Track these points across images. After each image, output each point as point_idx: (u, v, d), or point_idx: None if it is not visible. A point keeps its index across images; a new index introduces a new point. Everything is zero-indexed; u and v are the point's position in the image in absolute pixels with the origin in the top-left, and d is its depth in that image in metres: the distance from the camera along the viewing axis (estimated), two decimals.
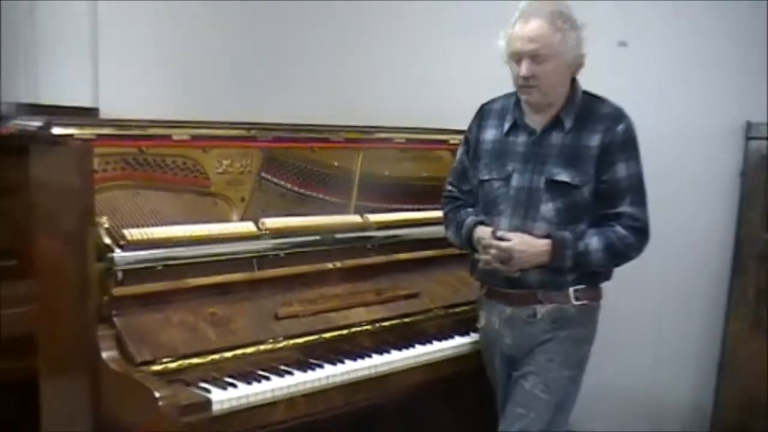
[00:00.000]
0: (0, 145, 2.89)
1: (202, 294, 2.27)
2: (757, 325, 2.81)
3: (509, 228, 2.29)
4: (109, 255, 2.10)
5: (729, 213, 2.87)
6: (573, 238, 2.22)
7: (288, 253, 2.47)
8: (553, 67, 2.20)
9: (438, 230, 2.71)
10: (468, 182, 2.48)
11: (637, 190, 2.24)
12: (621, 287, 2.37)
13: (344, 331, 2.46)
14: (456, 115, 2.73)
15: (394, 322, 2.58)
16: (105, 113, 4.61)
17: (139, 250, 2.16)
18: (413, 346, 2.48)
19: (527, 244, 2.23)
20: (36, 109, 4.06)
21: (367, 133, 2.85)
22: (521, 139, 2.33)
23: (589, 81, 2.33)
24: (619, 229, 2.22)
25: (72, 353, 2.20)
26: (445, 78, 3.48)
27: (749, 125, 2.83)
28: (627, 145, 2.23)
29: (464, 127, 2.54)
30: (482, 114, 2.47)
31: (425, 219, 2.86)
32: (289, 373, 2.18)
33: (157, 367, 2.05)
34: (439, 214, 2.76)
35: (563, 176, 2.23)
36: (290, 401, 2.14)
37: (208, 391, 2.02)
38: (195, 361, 2.13)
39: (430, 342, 2.53)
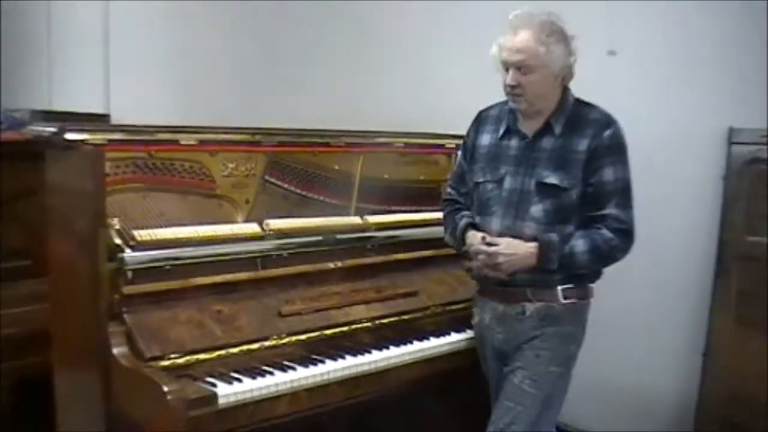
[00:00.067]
0: (16, 150, 2.90)
1: (208, 292, 2.27)
2: (739, 322, 2.80)
3: (500, 227, 2.29)
4: (120, 255, 2.11)
5: (712, 216, 2.87)
6: (559, 241, 2.22)
7: (291, 253, 2.47)
8: (539, 77, 2.21)
9: (435, 231, 2.72)
10: (466, 185, 2.49)
11: (622, 193, 2.23)
12: (610, 286, 2.37)
13: (345, 328, 2.45)
14: (455, 117, 2.74)
15: (392, 319, 2.58)
16: (116, 119, 4.62)
17: (149, 250, 2.16)
18: (411, 342, 2.48)
19: (514, 248, 2.23)
20: (50, 116, 4.06)
21: (366, 138, 2.85)
22: (514, 143, 2.34)
23: (579, 88, 2.33)
24: (604, 231, 2.22)
25: (84, 349, 2.20)
26: (445, 81, 3.47)
27: (732, 131, 2.82)
28: (614, 149, 2.23)
29: (461, 131, 2.54)
30: (479, 120, 2.48)
31: (423, 220, 2.86)
32: (292, 368, 2.18)
33: (165, 363, 2.05)
34: (435, 215, 2.78)
35: (552, 179, 2.24)
36: (293, 395, 2.14)
37: (214, 385, 2.01)
38: (202, 356, 2.13)
39: (428, 338, 2.52)
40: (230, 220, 2.42)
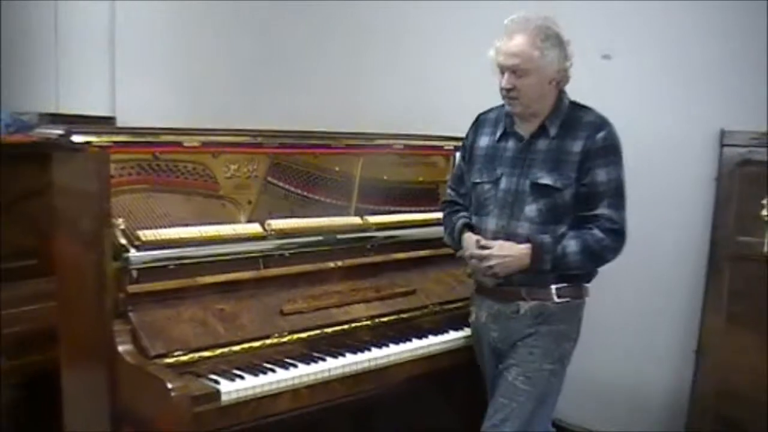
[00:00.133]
0: (24, 152, 2.90)
1: (211, 291, 2.26)
2: (731, 321, 2.80)
3: (496, 227, 2.29)
4: (125, 254, 2.10)
5: (705, 216, 2.86)
6: (552, 242, 2.21)
7: (292, 253, 2.46)
8: (534, 81, 2.20)
9: (433, 231, 2.72)
10: (465, 186, 2.49)
11: (615, 193, 2.22)
12: (605, 285, 2.36)
13: (345, 326, 2.45)
14: (454, 119, 2.73)
15: (392, 317, 2.57)
16: (121, 122, 4.61)
17: (153, 250, 2.15)
18: (410, 340, 2.47)
19: (507, 250, 2.22)
20: (57, 119, 4.05)
21: (366, 140, 2.85)
22: (510, 145, 2.34)
23: (575, 91, 2.32)
24: (596, 231, 2.20)
25: (90, 346, 2.19)
26: (445, 83, 3.47)
27: (723, 133, 2.82)
28: (607, 151, 2.22)
29: (460, 133, 2.54)
30: (478, 122, 2.48)
31: (421, 220, 2.85)
32: (294, 365, 2.17)
33: (169, 360, 2.05)
34: (434, 215, 2.78)
35: (546, 179, 2.23)
36: (294, 392, 2.13)
37: (217, 382, 2.01)
38: (205, 354, 2.12)
39: (426, 336, 2.51)
40: (233, 221, 2.41)
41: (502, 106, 2.36)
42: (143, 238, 2.15)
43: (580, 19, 2.75)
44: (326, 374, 2.20)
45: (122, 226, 2.13)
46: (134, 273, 2.11)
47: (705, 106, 2.86)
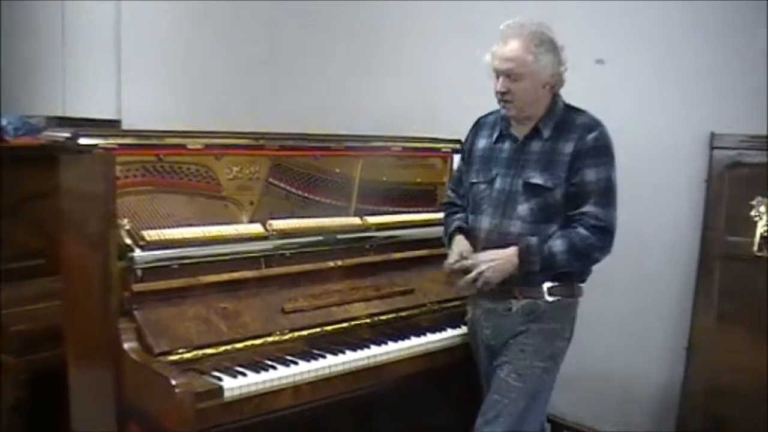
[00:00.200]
0: (32, 154, 2.91)
1: (214, 290, 2.26)
2: (721, 319, 2.80)
3: (490, 226, 2.30)
4: (130, 254, 2.10)
5: (695, 217, 2.86)
6: (538, 243, 2.20)
7: (293, 253, 2.46)
8: (528, 85, 2.21)
9: (431, 231, 2.73)
10: (463, 187, 2.50)
11: (603, 192, 2.21)
12: (599, 283, 2.36)
13: (345, 324, 2.44)
14: (452, 121, 2.73)
15: (390, 315, 2.57)
16: (126, 124, 4.61)
17: (157, 250, 2.15)
18: (408, 337, 2.47)
19: (495, 254, 2.23)
20: (64, 122, 4.05)
21: (366, 142, 2.85)
22: (506, 146, 2.35)
23: (569, 96, 2.33)
24: (581, 230, 2.20)
25: (96, 344, 2.19)
26: (443, 86, 3.46)
27: (713, 136, 2.82)
28: (597, 151, 2.21)
29: (459, 134, 2.56)
30: (478, 125, 2.49)
31: (420, 221, 2.85)
32: (295, 362, 2.17)
33: (173, 357, 2.05)
34: (432, 216, 2.80)
35: (537, 179, 2.24)
36: (296, 389, 2.13)
37: (220, 379, 2.01)
38: (208, 351, 2.12)
39: (424, 334, 2.51)
40: (235, 221, 2.41)
41: (499, 110, 2.37)
42: (148, 238, 2.15)
43: (574, 24, 2.76)
44: (327, 371, 2.20)
45: (127, 227, 2.13)
46: (139, 272, 2.11)
47: (695, 109, 2.86)
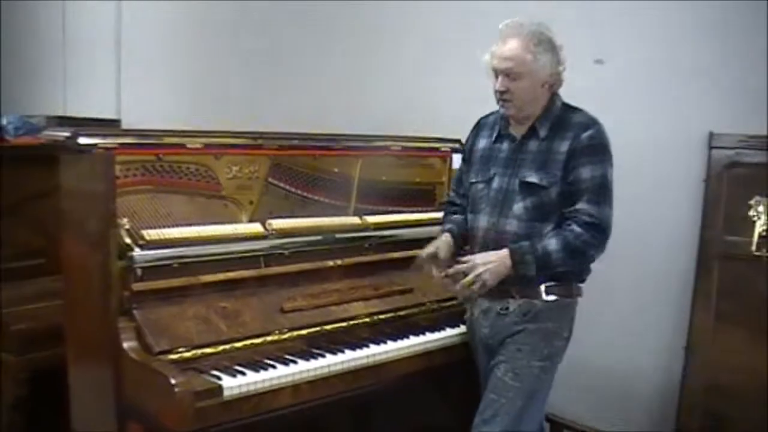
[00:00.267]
0: (32, 154, 2.91)
1: (214, 289, 2.26)
2: (719, 318, 2.80)
3: (487, 224, 2.31)
4: (130, 254, 2.10)
5: (694, 216, 2.86)
6: (530, 244, 2.20)
7: (293, 252, 2.46)
8: (526, 84, 2.22)
9: (430, 230, 2.71)
10: (464, 187, 2.51)
11: (597, 190, 2.20)
12: (598, 282, 2.36)
13: (344, 324, 2.44)
14: (451, 122, 2.73)
15: (389, 315, 2.57)
16: (126, 124, 4.61)
17: (157, 249, 2.15)
18: (407, 337, 2.46)
19: (487, 256, 2.22)
20: (64, 121, 4.05)
21: (365, 142, 2.85)
22: (505, 146, 2.35)
23: (568, 95, 2.33)
24: (574, 227, 2.19)
25: (96, 343, 2.19)
26: (442, 87, 3.46)
27: (712, 136, 2.82)
28: (592, 149, 2.21)
29: (457, 134, 2.55)
30: (479, 126, 2.50)
31: (418, 220, 2.85)
32: (294, 362, 2.17)
33: (173, 356, 2.04)
34: (431, 215, 2.80)
35: (533, 178, 2.24)
36: (295, 388, 2.13)
37: (219, 378, 2.01)
38: (208, 350, 2.12)
39: (423, 333, 2.51)
40: (235, 221, 2.41)
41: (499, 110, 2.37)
42: (147, 238, 2.15)
43: (574, 24, 2.76)
44: (326, 370, 2.20)
45: (127, 226, 2.13)
46: (139, 271, 2.10)
47: (694, 109, 2.86)
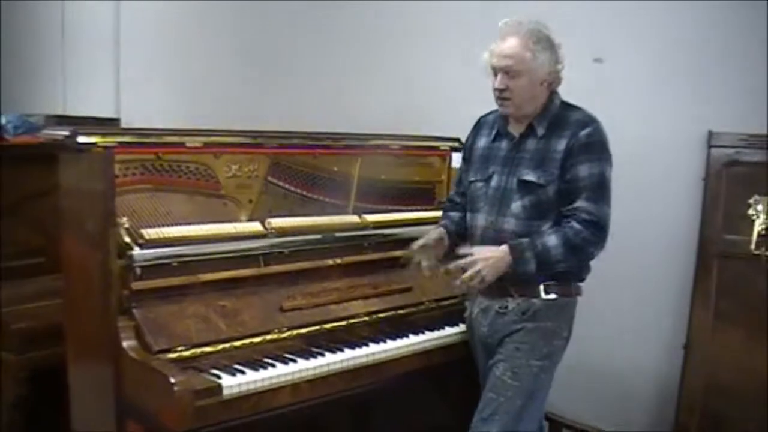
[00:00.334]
0: (32, 153, 2.90)
1: (213, 288, 2.26)
2: (718, 317, 2.80)
3: (485, 223, 2.31)
4: (129, 252, 2.10)
5: (693, 215, 2.87)
6: (529, 240, 2.20)
7: (292, 251, 2.46)
8: (525, 82, 2.22)
9: (429, 229, 2.71)
10: (463, 185, 2.51)
11: (595, 188, 2.19)
12: (597, 281, 2.36)
13: (343, 322, 2.44)
14: (449, 121, 2.72)
15: (389, 313, 2.57)
16: (126, 123, 4.61)
17: (156, 248, 2.15)
18: (407, 335, 2.47)
19: (488, 251, 2.22)
20: (63, 120, 4.04)
21: (364, 141, 2.85)
22: (503, 145, 2.35)
23: (567, 94, 2.33)
24: (574, 224, 2.18)
25: (95, 342, 2.19)
26: (440, 86, 3.47)
27: (711, 134, 2.83)
28: (590, 147, 2.20)
29: (455, 134, 2.55)
30: (479, 125, 2.50)
31: (418, 219, 2.85)
32: (293, 360, 2.17)
33: (172, 355, 2.05)
34: (430, 214, 2.80)
35: (530, 176, 2.24)
36: (294, 386, 2.13)
37: (219, 377, 2.01)
38: (207, 349, 2.12)
39: (422, 332, 2.51)
40: (234, 219, 2.41)
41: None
42: (147, 237, 2.14)
43: (573, 23, 2.76)
44: (325, 369, 2.20)
45: (126, 225, 2.13)
46: (138, 270, 2.10)
47: (694, 108, 2.86)
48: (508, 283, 2.25)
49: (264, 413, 2.08)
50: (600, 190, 2.20)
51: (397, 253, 2.71)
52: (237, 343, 2.18)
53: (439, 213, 2.68)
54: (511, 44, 2.20)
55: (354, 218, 2.70)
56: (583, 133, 2.21)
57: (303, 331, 2.34)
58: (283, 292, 2.39)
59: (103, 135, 2.16)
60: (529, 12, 2.28)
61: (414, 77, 3.61)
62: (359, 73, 3.82)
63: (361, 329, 2.47)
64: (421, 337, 2.48)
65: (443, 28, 3.49)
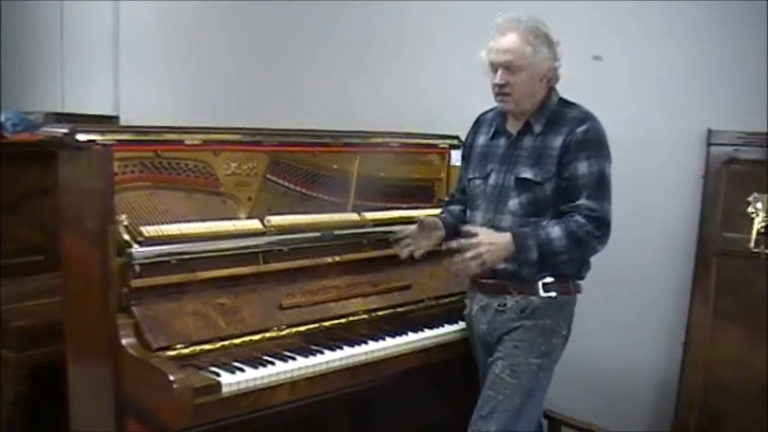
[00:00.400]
0: (31, 150, 2.91)
1: (212, 286, 2.26)
2: (717, 314, 2.80)
3: (483, 220, 2.31)
4: (128, 250, 2.10)
5: (693, 213, 2.86)
6: (533, 229, 2.19)
7: (291, 249, 2.46)
8: (526, 77, 2.21)
9: None
10: (463, 183, 2.52)
11: (596, 185, 2.19)
12: (597, 279, 2.35)
13: (343, 320, 2.44)
14: (449, 119, 2.72)
15: (388, 311, 2.57)
16: (125, 120, 4.61)
17: (155, 246, 2.15)
18: (406, 333, 2.46)
19: (492, 237, 2.20)
20: (62, 118, 4.04)
21: (364, 138, 2.85)
22: (501, 142, 2.36)
23: (566, 92, 2.33)
24: (577, 217, 2.17)
25: (95, 340, 2.19)
26: (440, 84, 3.46)
27: (710, 132, 2.83)
28: (587, 144, 2.19)
29: (454, 132, 2.54)
30: (478, 123, 2.50)
31: (417, 217, 2.84)
32: (293, 358, 2.17)
33: (171, 353, 2.04)
34: (429, 212, 2.78)
35: (527, 174, 2.24)
36: (293, 384, 2.13)
37: (218, 374, 2.01)
38: (206, 347, 2.12)
39: (422, 330, 2.51)
40: (233, 217, 2.41)
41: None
42: (146, 234, 2.14)
43: (572, 20, 2.76)
44: (324, 367, 2.20)
45: (125, 223, 2.13)
46: (137, 268, 2.10)
47: (693, 106, 2.86)
48: (507, 280, 2.25)
49: (263, 411, 2.08)
50: (600, 187, 2.20)
51: (402, 255, 2.73)
52: (236, 341, 2.18)
53: (437, 210, 2.68)
54: (511, 39, 2.19)
55: (353, 216, 2.70)
56: (580, 129, 2.20)
57: (302, 328, 2.34)
58: (283, 289, 2.39)
59: (102, 132, 2.17)
60: (528, 10, 2.28)
61: (414, 77, 3.61)
62: (359, 72, 3.81)
63: (360, 327, 2.47)
64: (420, 335, 2.48)
65: (443, 28, 3.49)
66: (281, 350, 2.21)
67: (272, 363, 2.12)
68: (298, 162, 2.61)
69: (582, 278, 2.33)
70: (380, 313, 2.55)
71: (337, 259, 2.57)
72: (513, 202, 2.26)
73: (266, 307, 2.31)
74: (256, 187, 2.49)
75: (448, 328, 2.56)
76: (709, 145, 2.83)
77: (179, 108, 4.43)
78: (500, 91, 2.24)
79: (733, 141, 2.78)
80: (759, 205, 2.71)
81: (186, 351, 2.07)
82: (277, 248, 2.42)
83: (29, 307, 2.80)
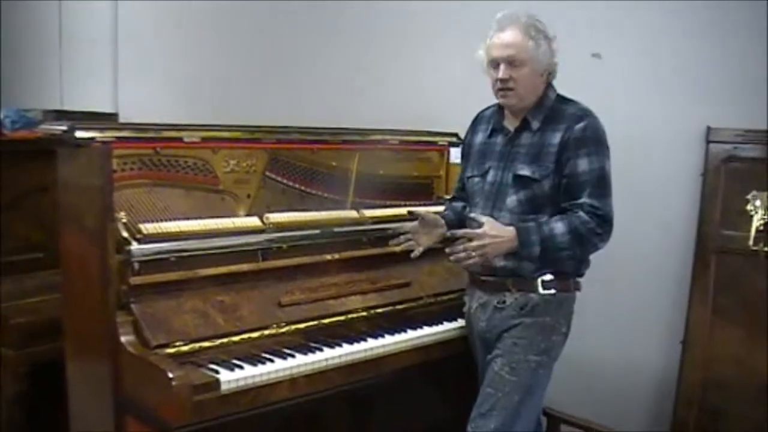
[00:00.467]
0: (30, 148, 2.90)
1: (211, 283, 2.25)
2: (716, 312, 2.80)
3: None
4: (127, 247, 2.10)
5: (691, 210, 2.87)
6: (536, 224, 2.19)
7: (290, 246, 2.46)
8: (528, 71, 2.21)
9: None
10: (463, 181, 2.52)
11: (597, 183, 2.18)
12: (596, 276, 2.36)
13: (342, 317, 2.45)
14: (448, 116, 2.71)
15: (387, 308, 2.57)
16: (124, 118, 4.61)
17: (154, 243, 2.15)
18: (405, 331, 2.47)
19: (497, 229, 2.20)
20: (61, 115, 4.04)
21: (363, 136, 2.84)
22: (499, 140, 2.36)
23: (564, 89, 2.33)
24: (581, 214, 2.17)
25: (94, 337, 2.19)
26: (439, 82, 3.46)
27: (709, 130, 2.82)
28: (587, 141, 2.19)
29: (453, 129, 2.54)
30: (476, 120, 2.50)
31: (416, 211, 2.84)
32: (292, 355, 2.17)
33: (170, 350, 2.04)
34: (428, 209, 2.77)
35: (525, 171, 2.24)
36: (292, 381, 2.13)
37: (217, 372, 2.01)
38: (205, 344, 2.12)
39: (421, 327, 2.51)
40: (232, 214, 2.41)
41: (497, 103, 2.37)
42: (145, 232, 2.14)
43: (571, 18, 2.76)
44: (323, 364, 2.20)
45: (124, 220, 2.12)
46: (136, 265, 2.10)
47: (692, 103, 2.86)
48: (506, 278, 2.26)
49: (262, 408, 2.08)
50: (602, 184, 2.19)
51: (397, 249, 2.73)
52: (235, 338, 2.18)
53: (436, 208, 2.67)
54: (512, 33, 2.19)
55: (352, 213, 2.69)
56: (579, 126, 2.20)
57: (301, 326, 2.34)
58: (282, 287, 2.39)
59: (101, 130, 2.17)
60: (528, 9, 2.27)
61: (414, 76, 3.60)
62: (359, 72, 3.81)
63: (359, 324, 2.47)
64: (419, 332, 2.48)
65: (443, 28, 3.49)
66: (280, 347, 2.21)
67: (271, 360, 2.12)
68: (297, 159, 2.60)
69: (581, 276, 2.33)
70: (379, 310, 2.55)
71: (336, 256, 2.57)
72: (511, 200, 2.26)
73: (265, 304, 2.31)
74: (255, 185, 2.49)
75: (447, 326, 2.56)
76: (708, 142, 2.83)
77: (178, 107, 4.43)
78: (503, 86, 2.23)
79: (732, 138, 2.78)
80: (758, 203, 2.71)
81: (185, 348, 2.08)
82: (276, 245, 2.42)
83: (29, 305, 2.80)
